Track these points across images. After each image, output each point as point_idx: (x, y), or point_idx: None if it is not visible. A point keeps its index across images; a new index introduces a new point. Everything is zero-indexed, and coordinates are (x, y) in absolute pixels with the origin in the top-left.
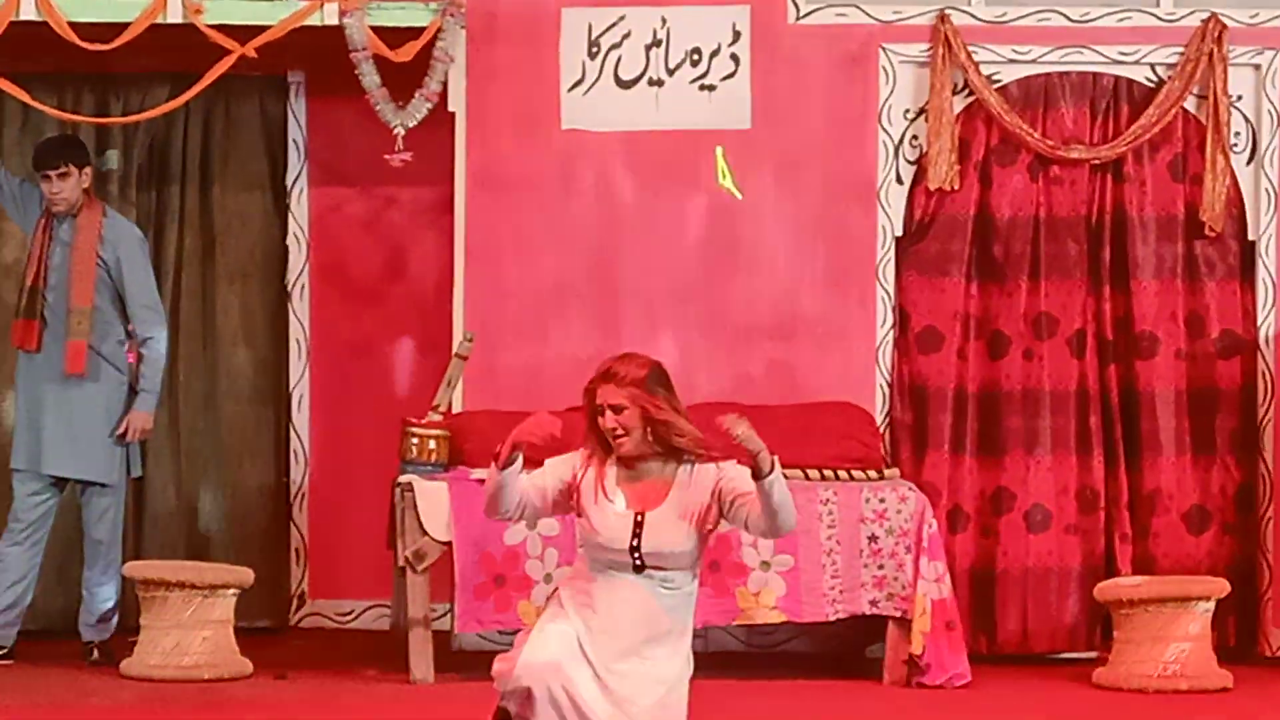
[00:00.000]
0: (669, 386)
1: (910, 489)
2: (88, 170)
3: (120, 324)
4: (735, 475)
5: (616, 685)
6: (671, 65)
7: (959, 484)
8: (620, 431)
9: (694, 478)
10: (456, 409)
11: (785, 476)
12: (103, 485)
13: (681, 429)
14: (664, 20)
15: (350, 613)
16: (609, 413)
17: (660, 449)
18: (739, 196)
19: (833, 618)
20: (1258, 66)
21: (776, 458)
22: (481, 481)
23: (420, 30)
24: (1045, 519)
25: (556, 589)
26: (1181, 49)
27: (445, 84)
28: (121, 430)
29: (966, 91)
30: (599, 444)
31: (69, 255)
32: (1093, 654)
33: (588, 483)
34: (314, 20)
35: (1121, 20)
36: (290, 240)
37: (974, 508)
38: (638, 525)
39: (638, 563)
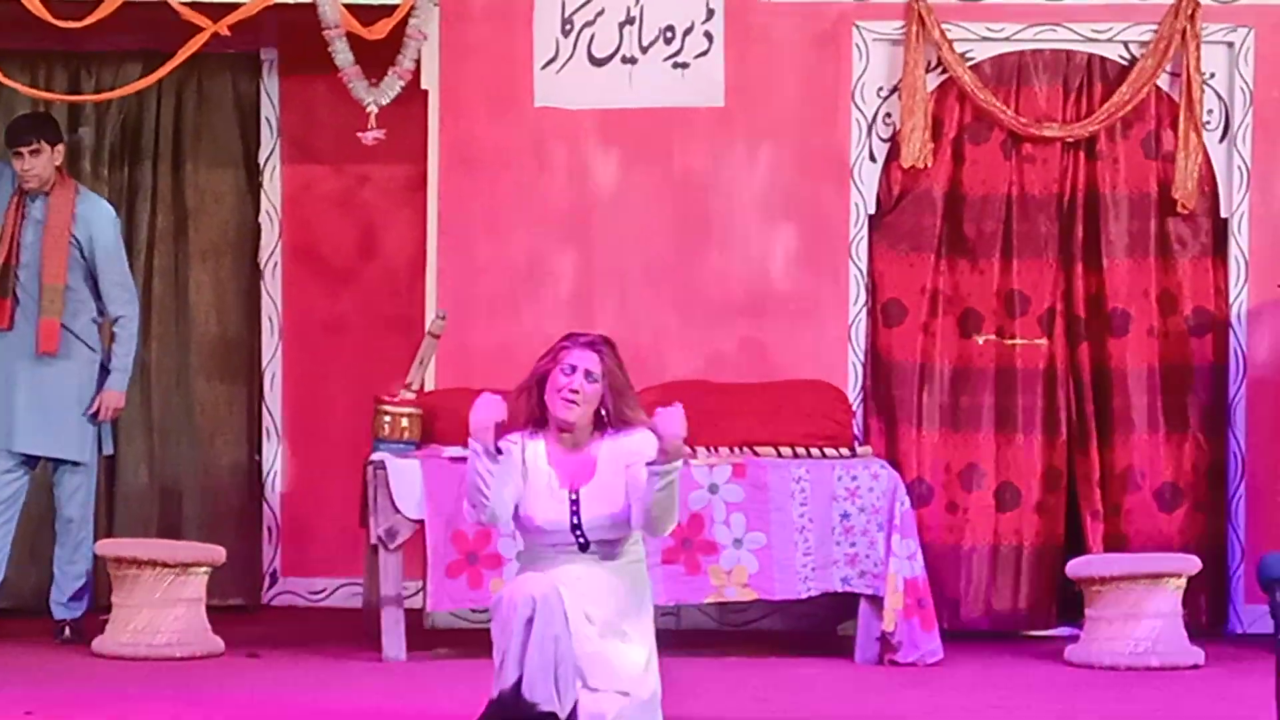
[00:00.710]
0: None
1: (882, 466)
2: (60, 147)
3: (93, 302)
4: (642, 441)
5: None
6: (645, 43)
7: (925, 459)
8: (577, 399)
9: (620, 445)
10: (429, 387)
11: (756, 453)
12: (74, 463)
13: (639, 411)
14: None
15: (322, 591)
16: (579, 375)
17: (596, 424)
18: None
19: (805, 595)
20: (1231, 44)
21: (679, 464)
22: (453, 460)
23: (393, 8)
24: (1014, 497)
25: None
26: (1155, 27)
27: (418, 61)
28: (94, 409)
29: (940, 69)
30: (529, 413)
31: (41, 233)
32: (1051, 632)
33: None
34: None
35: None
36: (263, 218)
37: (941, 483)
38: (574, 504)
39: (581, 541)
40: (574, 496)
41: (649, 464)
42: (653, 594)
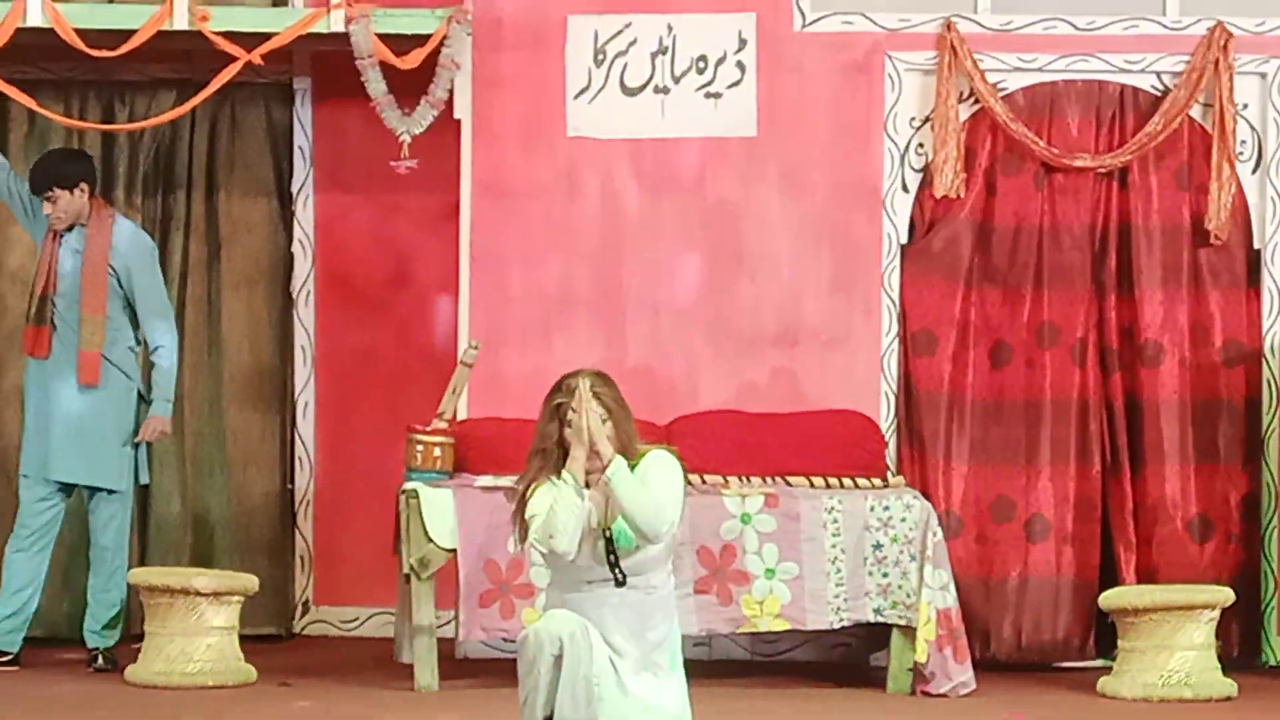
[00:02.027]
0: None
1: (915, 497)
2: (83, 185)
3: (130, 330)
4: (651, 461)
5: (637, 690)
6: (677, 72)
7: (955, 491)
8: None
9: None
10: (462, 416)
11: (789, 483)
12: (110, 491)
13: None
14: (670, 28)
15: (355, 620)
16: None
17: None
18: None
19: (837, 626)
20: (1263, 75)
21: (617, 459)
22: (486, 489)
23: (426, 37)
24: (1045, 529)
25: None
26: (1187, 57)
27: (451, 91)
28: (140, 436)
29: (972, 99)
30: (543, 467)
31: (79, 264)
32: (1084, 663)
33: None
34: (320, 27)
35: (1128, 28)
36: (295, 247)
37: (972, 515)
38: (609, 542)
39: (619, 578)
40: (607, 534)
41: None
42: (684, 624)
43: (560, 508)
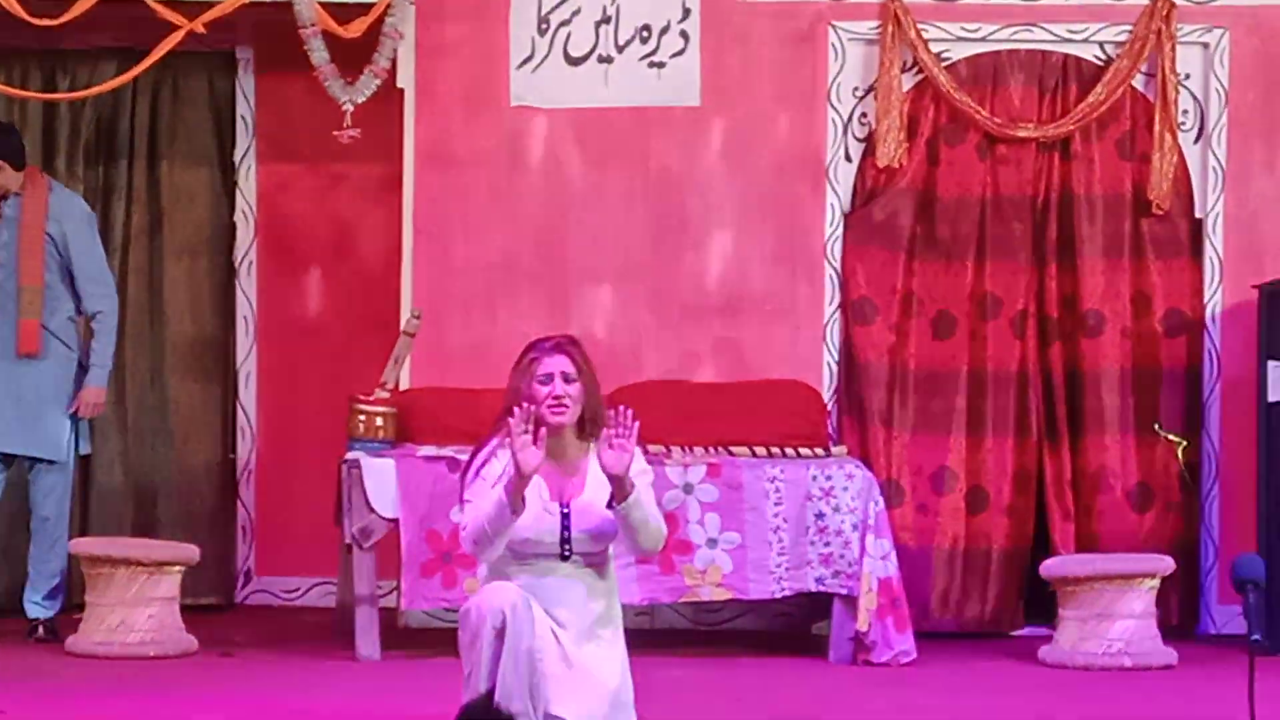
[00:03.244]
0: None
1: (857, 466)
2: (1, 164)
3: (70, 299)
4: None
5: (580, 661)
6: (621, 42)
7: (895, 461)
8: (566, 402)
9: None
10: (404, 386)
11: (731, 453)
12: (51, 462)
13: (607, 412)
14: None
15: (297, 590)
16: (558, 381)
17: (582, 429)
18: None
19: (779, 595)
20: (1206, 45)
21: (639, 487)
22: (428, 459)
23: (369, 6)
24: (984, 499)
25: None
26: (1130, 27)
27: (394, 60)
28: (75, 407)
29: (915, 69)
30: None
31: (16, 233)
32: (1016, 632)
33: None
34: None
35: None
36: (238, 216)
37: (911, 484)
38: (565, 517)
39: (566, 553)
40: (565, 510)
41: (608, 505)
42: (626, 593)
43: (491, 526)
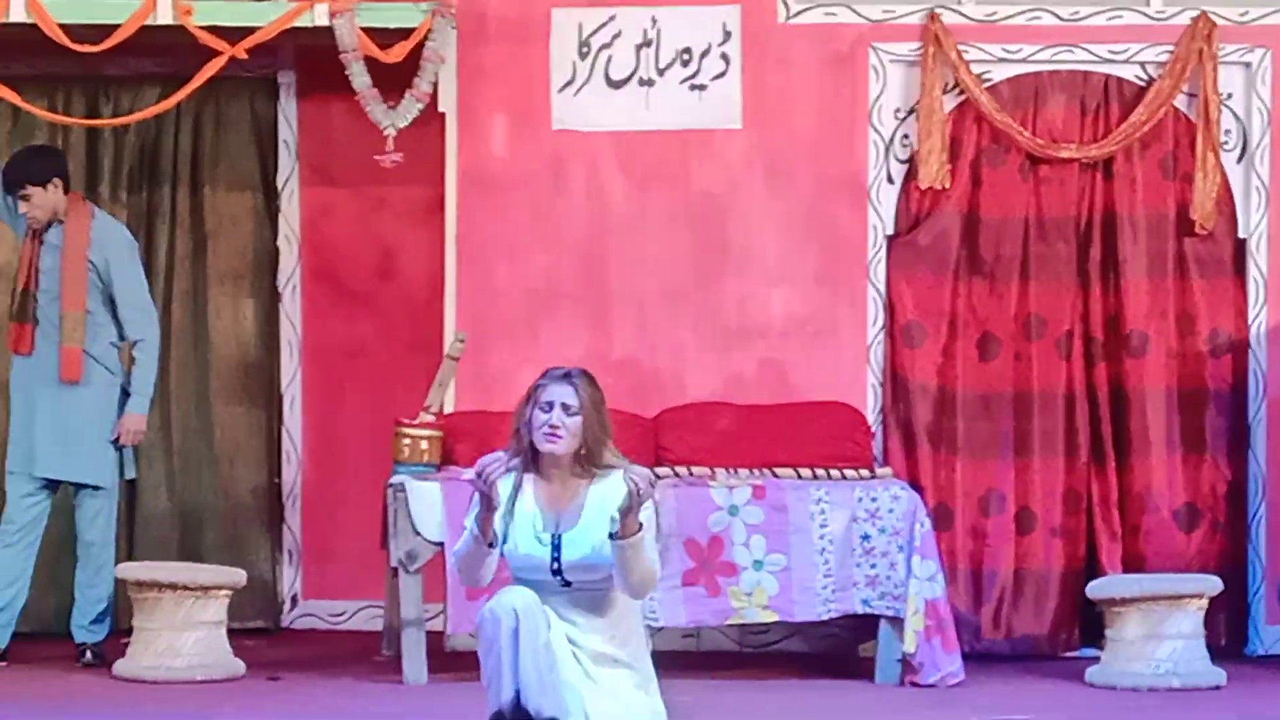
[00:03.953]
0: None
1: (903, 488)
2: (56, 181)
3: (112, 326)
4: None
5: (600, 678)
6: (662, 65)
7: (944, 483)
8: (560, 432)
9: (608, 486)
10: (448, 409)
11: (776, 475)
12: (95, 487)
13: (614, 450)
14: (654, 20)
15: (343, 613)
16: (558, 410)
17: (580, 462)
18: None
19: (825, 617)
20: (1248, 65)
21: (636, 537)
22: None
23: (410, 30)
24: (1033, 520)
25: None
26: (1171, 47)
27: (436, 84)
28: (116, 435)
29: (957, 90)
30: (518, 452)
31: (59, 260)
32: (1072, 654)
33: (506, 499)
34: (304, 21)
35: (1111, 19)
36: (281, 241)
37: (962, 507)
38: (556, 547)
39: (562, 581)
40: (556, 540)
41: (610, 535)
42: (672, 616)
43: (467, 555)
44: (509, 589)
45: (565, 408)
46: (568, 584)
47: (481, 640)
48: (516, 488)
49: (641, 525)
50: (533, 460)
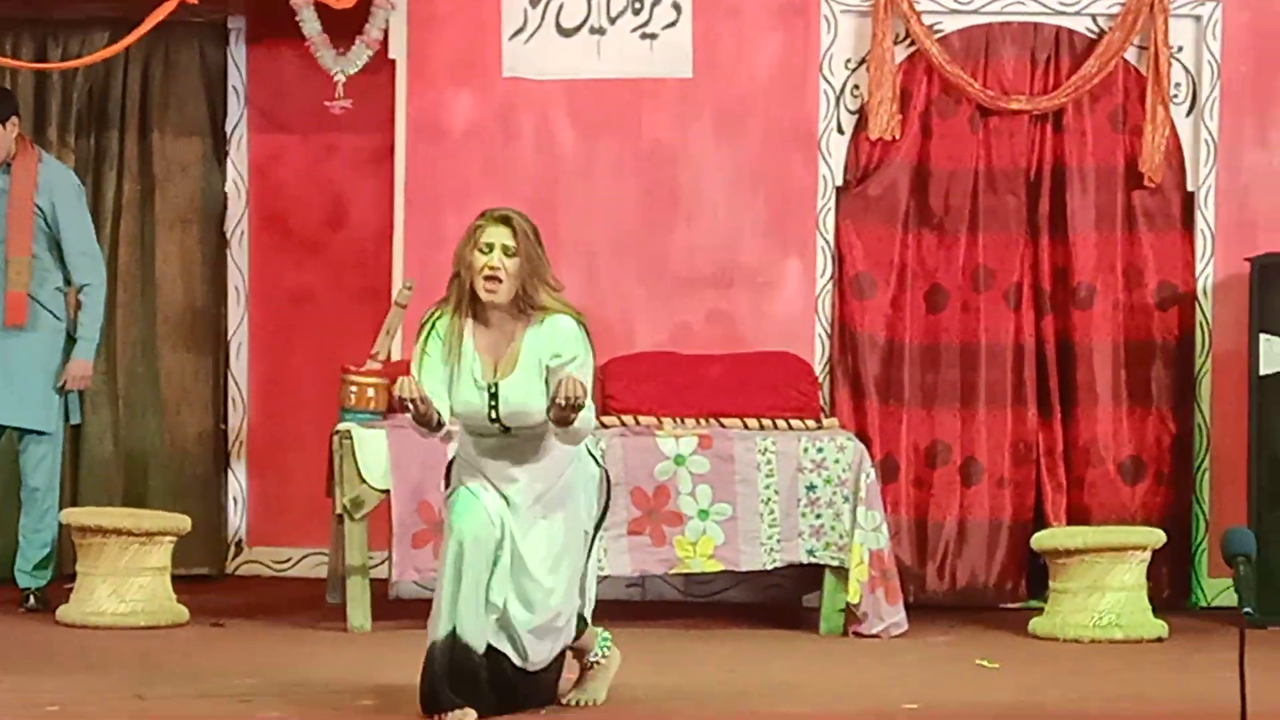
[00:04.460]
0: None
1: (849, 438)
2: (14, 120)
3: (58, 271)
4: (565, 337)
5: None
6: (613, 13)
7: (891, 434)
8: (501, 275)
9: (542, 334)
10: (396, 357)
11: (723, 425)
12: (40, 433)
13: (554, 288)
14: None
15: (288, 560)
16: (497, 252)
17: (519, 305)
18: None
19: (770, 567)
20: (1198, 18)
21: (587, 413)
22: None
23: None
24: (979, 472)
25: (451, 462)
26: (1123, 0)
27: (386, 31)
28: (62, 380)
29: (908, 41)
30: (458, 298)
31: (5, 204)
32: (1015, 604)
33: (445, 342)
34: None
35: None
36: (230, 187)
37: (908, 458)
38: (493, 395)
39: (501, 428)
40: (493, 389)
41: (548, 414)
42: (617, 565)
43: (417, 428)
44: (465, 505)
45: (505, 249)
46: (506, 430)
47: (439, 561)
48: (459, 335)
49: (577, 411)
50: (471, 303)
